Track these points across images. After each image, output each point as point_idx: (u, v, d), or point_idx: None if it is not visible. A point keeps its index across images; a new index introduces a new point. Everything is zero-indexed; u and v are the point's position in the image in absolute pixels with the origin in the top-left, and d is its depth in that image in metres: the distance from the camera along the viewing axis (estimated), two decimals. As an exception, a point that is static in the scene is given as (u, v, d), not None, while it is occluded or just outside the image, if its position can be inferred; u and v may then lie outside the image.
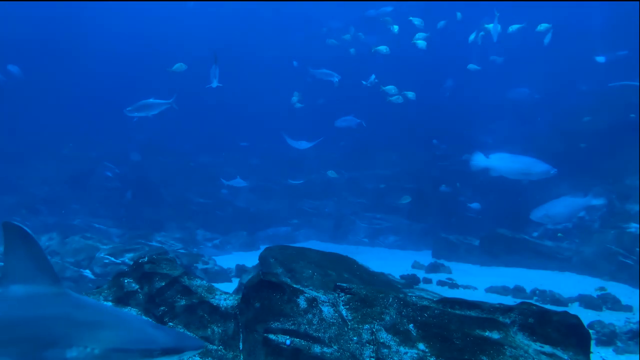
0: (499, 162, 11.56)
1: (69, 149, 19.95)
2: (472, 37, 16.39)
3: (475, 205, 15.87)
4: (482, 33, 15.62)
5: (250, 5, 26.04)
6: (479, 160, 11.70)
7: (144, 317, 4.97)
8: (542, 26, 14.42)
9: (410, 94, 13.89)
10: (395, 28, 15.96)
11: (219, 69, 11.82)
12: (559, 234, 13.28)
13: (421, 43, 14.47)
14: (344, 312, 4.60)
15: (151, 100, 11.39)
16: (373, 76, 15.59)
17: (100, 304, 3.00)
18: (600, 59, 16.03)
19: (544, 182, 12.82)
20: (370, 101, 19.65)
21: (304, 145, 16.72)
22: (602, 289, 10.02)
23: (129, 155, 20.06)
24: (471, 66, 16.14)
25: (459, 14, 15.75)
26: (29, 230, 2.98)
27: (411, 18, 15.38)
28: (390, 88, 13.79)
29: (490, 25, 14.47)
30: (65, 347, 2.68)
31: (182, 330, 4.85)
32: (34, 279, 2.94)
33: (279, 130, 17.26)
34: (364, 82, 14.83)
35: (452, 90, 19.94)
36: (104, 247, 11.13)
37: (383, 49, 14.52)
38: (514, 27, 14.73)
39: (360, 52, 18.19)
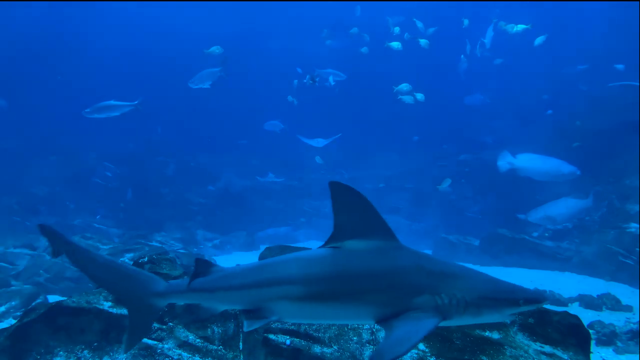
0: (528, 163, 11.54)
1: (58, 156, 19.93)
2: (468, 47, 16.55)
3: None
4: (484, 39, 15.68)
5: (250, 5, 26.06)
6: (507, 160, 11.69)
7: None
8: (540, 39, 14.50)
9: (420, 95, 13.89)
10: (397, 29, 16.01)
11: (220, 72, 11.79)
12: (545, 234, 13.24)
13: (424, 42, 14.52)
14: (344, 312, 4.59)
15: (112, 102, 11.22)
16: (308, 76, 15.62)
17: (439, 258, 3.01)
18: (620, 66, 16.03)
19: (544, 182, 12.84)
20: (371, 101, 19.70)
21: (320, 142, 16.60)
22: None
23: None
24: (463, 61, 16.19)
25: (465, 21, 15.80)
26: (356, 188, 3.02)
27: (414, 19, 15.45)
28: (403, 86, 13.74)
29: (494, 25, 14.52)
30: (434, 294, 2.69)
31: (181, 330, 4.85)
32: (368, 233, 2.96)
33: (293, 132, 17.13)
34: (304, 81, 14.75)
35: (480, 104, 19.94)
36: (104, 247, 11.13)
37: (395, 45, 14.55)
38: (516, 28, 14.75)
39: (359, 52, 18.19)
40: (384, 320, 2.70)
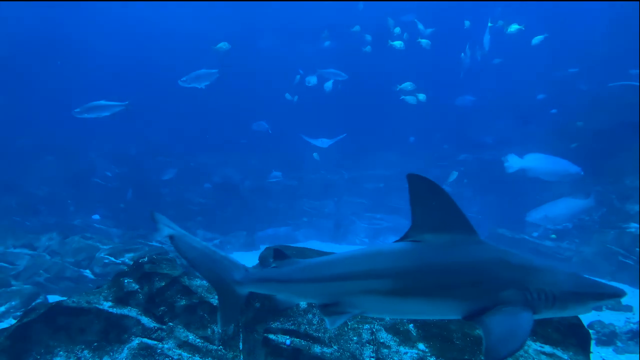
0: (536, 163, 11.56)
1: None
2: (466, 51, 16.60)
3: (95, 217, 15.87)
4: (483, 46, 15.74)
5: (251, 6, 26.05)
6: (514, 161, 11.70)
7: (144, 317, 4.97)
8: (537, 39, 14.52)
9: (422, 96, 13.90)
10: (397, 29, 16.04)
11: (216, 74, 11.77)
12: (552, 235, 13.25)
13: (425, 42, 14.56)
14: (344, 312, 4.59)
15: (102, 102, 11.20)
16: (298, 76, 15.66)
17: (519, 252, 2.99)
18: (635, 71, 16.05)
19: (545, 182, 12.84)
20: (371, 101, 19.67)
21: (325, 142, 16.47)
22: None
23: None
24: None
25: (467, 22, 15.84)
26: (433, 180, 2.95)
27: (415, 20, 15.49)
28: (407, 85, 13.73)
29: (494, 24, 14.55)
30: (521, 289, 2.66)
31: (181, 330, 4.85)
32: (448, 227, 2.89)
33: (297, 132, 17.07)
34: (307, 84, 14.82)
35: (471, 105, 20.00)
36: (104, 247, 11.12)
37: (398, 44, 14.58)
38: (511, 29, 14.76)
39: (358, 52, 18.19)
40: (471, 316, 2.66)
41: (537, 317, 2.69)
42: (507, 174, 12.03)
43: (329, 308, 2.92)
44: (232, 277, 3.31)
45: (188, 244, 3.37)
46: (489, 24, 14.62)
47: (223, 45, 12.84)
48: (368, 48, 17.73)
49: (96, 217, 16.75)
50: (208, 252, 3.38)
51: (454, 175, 14.94)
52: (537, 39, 14.64)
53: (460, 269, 2.78)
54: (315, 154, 16.71)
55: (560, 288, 2.70)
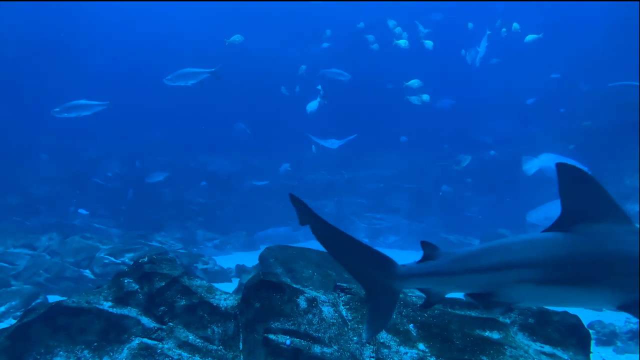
0: (551, 163, 11.60)
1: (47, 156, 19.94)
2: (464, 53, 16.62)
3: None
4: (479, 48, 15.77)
5: (251, 6, 26.03)
6: (532, 161, 11.72)
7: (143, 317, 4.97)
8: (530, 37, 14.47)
9: (425, 96, 13.87)
10: (399, 30, 16.06)
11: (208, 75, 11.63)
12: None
13: (428, 43, 14.56)
14: (344, 312, 4.60)
15: (82, 101, 11.10)
16: (303, 67, 15.59)
17: None
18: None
19: (545, 182, 12.84)
20: (371, 101, 19.64)
21: (334, 143, 16.32)
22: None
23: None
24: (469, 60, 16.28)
25: (470, 24, 15.86)
26: (585, 168, 2.95)
27: (416, 22, 15.50)
28: (414, 82, 13.64)
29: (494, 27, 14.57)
30: None
31: (181, 330, 4.85)
32: (601, 216, 2.86)
33: (305, 132, 17.00)
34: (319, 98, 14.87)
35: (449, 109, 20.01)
36: (104, 247, 11.12)
37: (402, 43, 14.56)
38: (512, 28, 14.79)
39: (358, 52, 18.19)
40: (627, 306, 2.65)
41: None
42: (526, 175, 12.04)
43: (484, 298, 2.92)
44: (385, 271, 3.15)
45: (330, 233, 3.22)
46: (487, 32, 14.65)
47: (236, 37, 12.77)
48: (375, 46, 17.70)
49: (82, 211, 16.68)
50: (353, 243, 3.21)
51: (467, 159, 14.83)
52: (530, 38, 14.55)
53: (617, 259, 2.74)
54: (313, 147, 16.57)
55: None
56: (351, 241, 3.20)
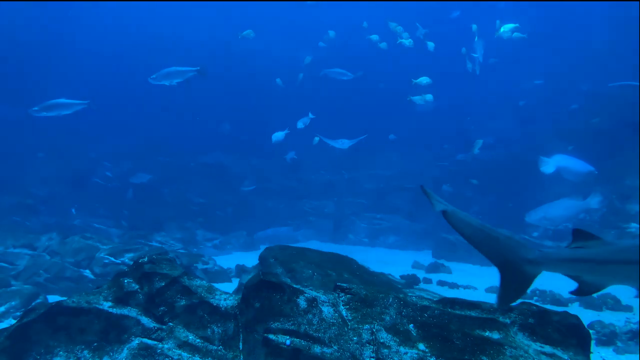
0: (564, 163, 11.64)
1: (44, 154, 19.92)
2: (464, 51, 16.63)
3: None
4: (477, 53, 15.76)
5: (251, 6, 26.04)
6: (548, 162, 11.75)
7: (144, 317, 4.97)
8: (507, 26, 14.20)
9: (429, 96, 13.84)
10: (400, 29, 16.04)
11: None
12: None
13: (430, 44, 14.54)
14: (344, 312, 4.60)
15: (62, 100, 10.93)
16: (307, 59, 15.47)
17: None
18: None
19: (545, 182, 12.84)
20: (371, 101, 19.64)
21: (345, 144, 16.28)
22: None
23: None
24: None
25: (474, 26, 15.83)
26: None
27: (417, 24, 15.48)
28: (422, 79, 13.60)
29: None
30: None
31: (181, 330, 4.85)
32: None
33: (314, 132, 16.94)
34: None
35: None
36: (104, 247, 11.11)
37: (406, 42, 14.54)
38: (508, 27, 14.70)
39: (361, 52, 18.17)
40: None
41: None
42: (545, 175, 12.05)
43: None
44: (521, 255, 3.21)
45: (464, 220, 3.35)
46: (482, 40, 14.69)
47: (249, 32, 12.78)
48: (384, 44, 17.65)
49: (72, 210, 16.70)
50: (487, 229, 3.35)
51: (479, 143, 14.77)
52: (507, 27, 14.15)
53: None
54: (315, 138, 16.51)
55: None
56: (483, 227, 3.37)
